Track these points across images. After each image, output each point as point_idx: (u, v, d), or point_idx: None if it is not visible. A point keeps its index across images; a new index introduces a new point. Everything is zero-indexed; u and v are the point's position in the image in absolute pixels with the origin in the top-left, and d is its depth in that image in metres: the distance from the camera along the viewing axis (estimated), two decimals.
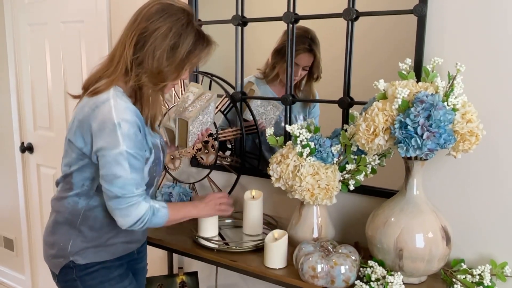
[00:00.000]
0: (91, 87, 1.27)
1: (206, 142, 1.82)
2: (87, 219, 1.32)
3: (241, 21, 1.70)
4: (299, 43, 1.63)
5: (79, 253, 1.33)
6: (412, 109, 1.16)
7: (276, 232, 1.42)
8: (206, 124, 1.57)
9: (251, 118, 1.76)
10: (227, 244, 1.56)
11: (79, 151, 1.27)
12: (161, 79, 1.25)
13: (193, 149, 1.81)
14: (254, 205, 1.59)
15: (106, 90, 1.23)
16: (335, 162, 1.41)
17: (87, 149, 1.25)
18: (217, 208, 1.50)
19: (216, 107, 1.79)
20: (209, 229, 1.59)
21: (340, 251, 1.30)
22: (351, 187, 1.42)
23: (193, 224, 1.62)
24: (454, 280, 1.30)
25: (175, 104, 1.87)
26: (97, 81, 1.27)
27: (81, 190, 1.31)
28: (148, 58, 1.22)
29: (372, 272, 1.28)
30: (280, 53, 1.69)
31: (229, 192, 1.81)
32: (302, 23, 1.60)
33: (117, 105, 1.21)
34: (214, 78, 1.82)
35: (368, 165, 1.38)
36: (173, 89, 1.90)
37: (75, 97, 1.35)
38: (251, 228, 1.61)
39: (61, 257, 1.34)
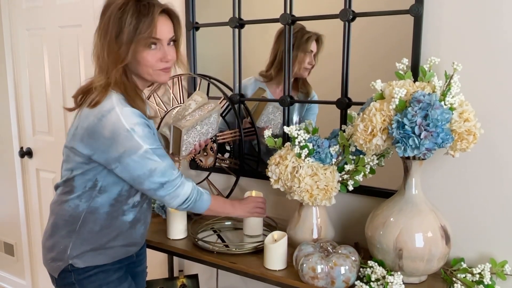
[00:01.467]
0: (86, 97, 1.28)
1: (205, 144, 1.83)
2: (87, 222, 1.32)
3: (238, 23, 1.70)
4: (305, 33, 1.64)
5: (79, 256, 1.33)
6: (410, 108, 1.16)
7: (276, 234, 1.42)
8: (206, 135, 1.57)
9: (261, 124, 1.77)
10: (227, 246, 1.56)
11: (86, 157, 1.27)
12: (119, 60, 1.23)
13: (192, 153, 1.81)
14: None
15: (104, 97, 1.23)
16: (333, 162, 1.41)
17: (98, 156, 1.25)
18: (253, 211, 1.55)
19: None
20: (178, 231, 1.63)
21: (339, 251, 1.30)
22: (350, 188, 1.42)
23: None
24: (454, 279, 1.30)
25: (173, 107, 1.87)
26: (92, 91, 1.27)
27: (83, 191, 1.31)
28: (102, 51, 1.24)
29: (372, 272, 1.28)
30: (283, 53, 1.69)
31: (229, 194, 1.81)
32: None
33: (123, 112, 1.22)
34: (212, 80, 1.82)
35: (366, 165, 1.38)
36: (171, 91, 1.90)
37: (71, 110, 1.34)
38: (251, 229, 1.61)
39: (60, 260, 1.34)
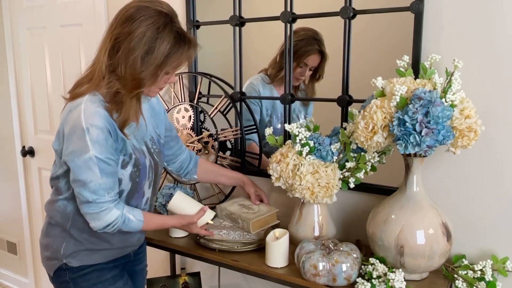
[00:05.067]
0: (72, 93, 1.27)
1: (206, 142, 1.83)
2: (76, 222, 1.33)
3: (239, 21, 1.70)
4: (309, 44, 1.65)
5: (72, 256, 1.34)
6: (410, 106, 1.16)
7: (277, 231, 1.42)
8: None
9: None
10: (228, 244, 1.56)
11: (59, 154, 1.28)
12: (136, 86, 1.20)
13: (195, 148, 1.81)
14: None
15: (83, 95, 1.22)
16: (334, 160, 1.41)
17: (61, 151, 1.25)
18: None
19: (216, 108, 1.80)
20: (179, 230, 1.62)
21: (341, 249, 1.31)
22: (351, 185, 1.42)
23: None
24: (455, 276, 1.30)
25: (174, 105, 1.87)
26: (78, 87, 1.26)
27: (68, 194, 1.32)
28: (121, 65, 1.18)
29: (373, 270, 1.28)
30: (284, 51, 1.69)
31: (230, 192, 1.81)
32: (299, 22, 1.60)
33: (86, 109, 1.19)
34: (213, 78, 1.82)
35: (367, 163, 1.38)
36: (172, 90, 1.90)
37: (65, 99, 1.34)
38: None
39: (55, 259, 1.35)
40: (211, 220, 1.47)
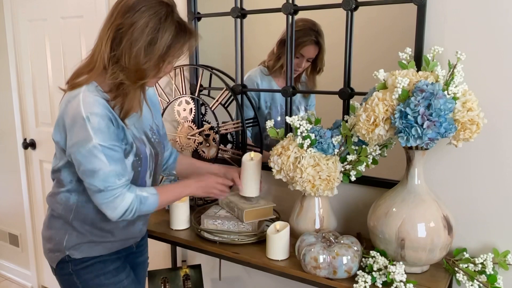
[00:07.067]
0: (71, 82, 1.26)
1: (207, 135, 1.83)
2: (79, 215, 1.33)
3: (240, 13, 1.69)
4: (306, 35, 1.64)
5: (75, 248, 1.34)
6: (412, 98, 1.15)
7: (278, 224, 1.42)
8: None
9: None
10: (229, 236, 1.56)
11: (60, 146, 1.27)
12: (140, 77, 1.20)
13: (194, 142, 1.81)
14: (252, 166, 1.51)
15: (81, 85, 1.22)
16: (336, 153, 1.41)
17: (63, 143, 1.25)
18: (208, 191, 1.42)
19: (217, 100, 1.79)
20: (181, 221, 1.62)
21: (342, 241, 1.31)
22: (353, 178, 1.41)
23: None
24: (456, 269, 1.30)
25: (175, 98, 1.86)
26: (77, 77, 1.25)
27: (71, 186, 1.32)
28: (124, 56, 1.17)
29: (374, 262, 1.28)
30: (286, 44, 1.68)
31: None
32: (301, 14, 1.59)
33: (85, 98, 1.18)
34: (214, 71, 1.81)
35: (369, 156, 1.38)
36: (173, 82, 1.90)
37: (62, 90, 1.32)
38: (248, 190, 1.53)
39: (58, 251, 1.36)
40: None
